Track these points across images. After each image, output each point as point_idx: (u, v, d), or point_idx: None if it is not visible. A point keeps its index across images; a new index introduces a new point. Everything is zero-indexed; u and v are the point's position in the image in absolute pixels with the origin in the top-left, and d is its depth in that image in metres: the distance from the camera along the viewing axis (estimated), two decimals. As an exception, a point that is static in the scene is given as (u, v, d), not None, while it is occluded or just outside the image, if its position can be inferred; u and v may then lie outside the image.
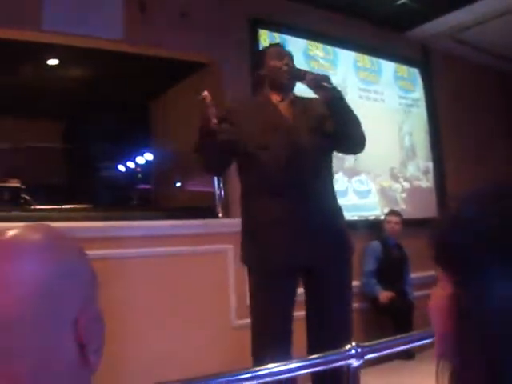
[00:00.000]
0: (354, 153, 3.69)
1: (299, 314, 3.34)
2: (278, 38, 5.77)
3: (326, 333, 3.21)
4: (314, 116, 3.41)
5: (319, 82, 3.23)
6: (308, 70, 3.57)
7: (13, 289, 0.86)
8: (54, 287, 0.89)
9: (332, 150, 3.48)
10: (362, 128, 3.40)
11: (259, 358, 3.07)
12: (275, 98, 3.44)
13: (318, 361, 2.39)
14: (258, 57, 3.64)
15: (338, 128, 3.30)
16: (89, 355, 0.93)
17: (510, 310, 0.70)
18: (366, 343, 2.43)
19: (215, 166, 3.47)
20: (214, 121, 3.05)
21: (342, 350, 2.36)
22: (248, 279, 3.41)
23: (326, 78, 3.26)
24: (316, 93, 3.27)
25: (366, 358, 2.38)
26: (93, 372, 0.97)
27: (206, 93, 3.07)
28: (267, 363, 2.29)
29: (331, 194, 3.45)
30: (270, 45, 3.80)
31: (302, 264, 3.27)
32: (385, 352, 2.71)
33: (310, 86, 3.26)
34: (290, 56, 3.49)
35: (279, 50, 3.54)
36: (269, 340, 3.20)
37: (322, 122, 3.37)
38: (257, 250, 3.30)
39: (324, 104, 3.29)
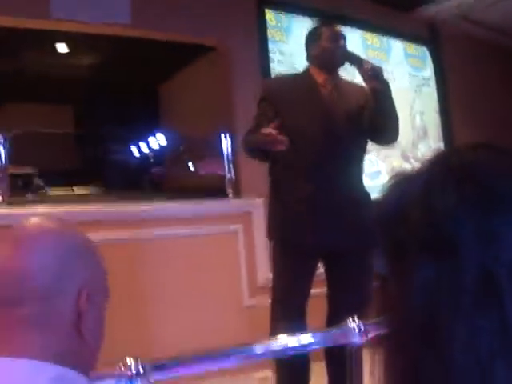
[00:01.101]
0: (385, 145, 3.78)
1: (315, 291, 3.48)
2: (284, 18, 5.79)
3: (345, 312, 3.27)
4: (355, 103, 3.45)
5: (375, 73, 3.28)
6: (364, 57, 3.57)
7: (38, 254, 1.05)
8: (67, 259, 1.07)
9: (367, 138, 3.53)
10: (398, 124, 3.46)
11: (275, 330, 3.20)
12: (321, 78, 3.47)
13: (320, 337, 2.45)
14: (311, 34, 3.60)
15: (378, 120, 3.33)
16: (83, 329, 1.06)
17: (430, 302, 0.68)
18: (370, 321, 2.48)
19: (261, 158, 3.52)
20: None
21: (345, 327, 2.41)
22: (273, 253, 3.58)
23: (381, 70, 3.31)
24: (367, 82, 3.31)
25: (369, 336, 2.44)
26: (92, 354, 1.12)
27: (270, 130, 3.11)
28: (279, 333, 2.37)
29: (360, 181, 3.53)
30: (323, 23, 3.74)
31: (325, 245, 3.34)
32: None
33: (363, 75, 3.30)
34: (344, 39, 3.52)
35: (335, 31, 3.54)
36: (285, 315, 3.31)
37: (361, 110, 3.42)
38: (283, 228, 3.41)
39: (371, 94, 3.32)
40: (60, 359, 1.01)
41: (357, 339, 2.40)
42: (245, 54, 5.43)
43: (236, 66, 5.38)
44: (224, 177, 5.21)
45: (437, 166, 0.75)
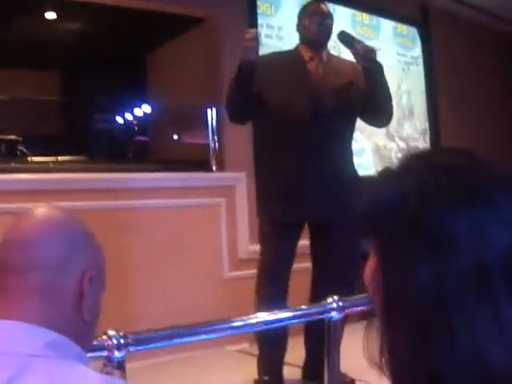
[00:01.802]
0: (378, 126, 3.83)
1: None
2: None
3: (330, 284, 3.29)
4: (343, 79, 3.48)
5: (368, 53, 3.29)
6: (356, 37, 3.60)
7: (49, 231, 1.16)
8: (74, 241, 1.17)
9: (355, 115, 3.56)
10: (392, 105, 3.49)
11: (260, 297, 3.37)
12: (307, 54, 3.50)
13: (300, 312, 2.48)
14: (301, 12, 3.65)
15: (369, 98, 3.39)
16: (83, 307, 1.15)
17: (429, 296, 0.71)
18: (347, 298, 2.52)
19: (241, 111, 3.47)
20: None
21: (323, 302, 2.45)
22: (260, 225, 3.59)
23: (373, 51, 3.34)
24: (359, 62, 3.34)
25: (346, 311, 2.48)
26: (89, 332, 1.22)
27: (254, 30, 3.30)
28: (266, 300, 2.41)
29: (348, 158, 3.58)
30: (310, 2, 3.78)
31: (311, 217, 3.43)
32: (366, 307, 2.80)
33: (355, 55, 3.34)
34: (331, 17, 3.59)
35: (320, 8, 3.58)
36: (273, 282, 3.40)
37: (349, 86, 3.45)
38: (272, 200, 3.44)
39: (364, 74, 3.37)
40: (57, 329, 1.07)
41: (335, 315, 2.43)
42: (233, 26, 5.40)
43: (224, 38, 5.36)
44: (208, 148, 5.22)
45: (426, 166, 0.79)
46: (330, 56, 3.61)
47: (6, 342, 1.02)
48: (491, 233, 0.71)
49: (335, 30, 3.57)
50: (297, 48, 3.58)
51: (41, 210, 1.21)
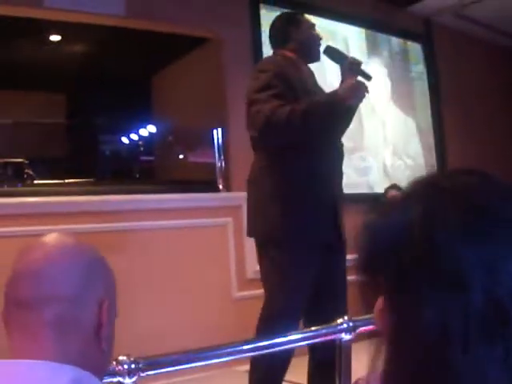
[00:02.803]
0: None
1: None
2: (278, 12, 5.77)
3: (328, 308, 3.25)
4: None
5: (356, 66, 3.27)
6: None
7: (65, 262, 1.13)
8: (90, 271, 1.15)
9: None
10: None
11: (281, 319, 3.08)
12: (305, 67, 3.45)
13: (309, 334, 2.47)
14: (293, 19, 3.52)
15: None
16: (101, 337, 1.14)
17: (435, 336, 0.68)
18: (358, 317, 2.50)
19: (298, 135, 3.17)
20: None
21: (333, 323, 2.43)
22: (265, 253, 3.30)
23: (361, 63, 3.31)
24: (347, 75, 3.27)
25: (357, 331, 2.46)
26: (106, 361, 1.21)
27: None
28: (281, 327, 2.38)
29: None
30: (299, 13, 3.70)
31: (328, 240, 3.29)
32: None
33: (344, 69, 3.29)
34: None
35: (312, 23, 3.53)
36: (291, 318, 3.14)
37: None
38: (302, 220, 3.21)
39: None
40: (79, 363, 1.05)
41: (346, 336, 2.42)
42: (238, 46, 5.43)
43: (229, 58, 5.39)
44: (214, 168, 5.22)
45: (433, 193, 0.75)
46: None
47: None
48: (504, 265, 0.67)
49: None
50: (289, 56, 3.41)
51: (51, 239, 1.18)
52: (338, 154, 3.37)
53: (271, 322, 3.14)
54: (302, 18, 3.52)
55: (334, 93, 3.11)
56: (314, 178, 3.20)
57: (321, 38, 3.46)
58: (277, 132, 3.07)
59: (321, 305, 3.33)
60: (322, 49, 3.44)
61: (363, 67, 3.31)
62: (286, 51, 3.41)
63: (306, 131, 3.10)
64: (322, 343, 2.63)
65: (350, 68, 3.28)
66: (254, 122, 3.14)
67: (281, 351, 2.53)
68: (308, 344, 2.73)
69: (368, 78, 3.25)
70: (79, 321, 1.10)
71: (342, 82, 3.31)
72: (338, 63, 3.36)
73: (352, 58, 3.36)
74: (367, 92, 3.12)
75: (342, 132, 3.43)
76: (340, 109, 3.09)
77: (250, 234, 3.41)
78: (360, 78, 3.26)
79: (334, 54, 3.37)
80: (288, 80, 3.18)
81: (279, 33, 3.49)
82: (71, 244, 1.18)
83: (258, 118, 3.08)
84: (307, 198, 3.20)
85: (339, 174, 3.40)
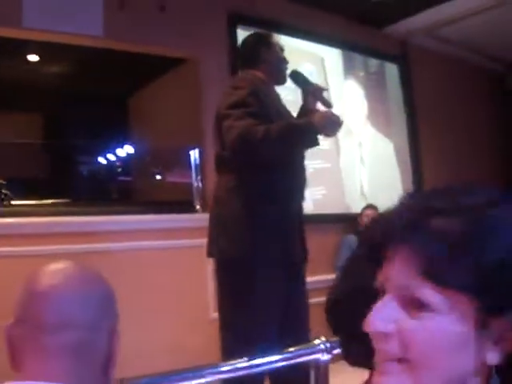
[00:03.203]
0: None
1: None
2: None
3: (292, 328, 3.25)
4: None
5: (319, 93, 3.33)
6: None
7: (82, 290, 1.19)
8: (104, 301, 1.23)
9: None
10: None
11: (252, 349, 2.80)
12: (272, 87, 3.44)
13: (286, 355, 2.46)
14: (265, 39, 3.50)
15: None
16: (110, 365, 1.20)
17: None
18: (335, 338, 2.50)
19: (273, 155, 3.13)
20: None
21: (310, 344, 2.43)
22: (226, 274, 3.24)
23: (324, 90, 3.38)
24: (309, 101, 3.35)
25: (334, 352, 2.46)
26: None
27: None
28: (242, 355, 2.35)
29: None
30: (267, 33, 3.69)
31: (294, 260, 3.30)
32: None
33: (307, 95, 3.36)
34: None
35: (280, 45, 3.51)
36: (269, 335, 3.13)
37: None
38: (270, 241, 3.15)
39: (301, 112, 3.39)
40: None
41: (323, 356, 2.42)
42: (215, 67, 5.46)
43: (206, 78, 5.40)
44: (191, 189, 5.22)
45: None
46: None
47: None
48: None
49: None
50: (259, 77, 3.38)
51: (69, 265, 1.23)
52: (302, 176, 3.38)
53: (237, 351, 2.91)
54: (273, 39, 3.51)
55: (310, 122, 3.06)
56: (281, 199, 3.20)
57: (287, 62, 3.47)
58: (249, 149, 3.02)
59: (285, 327, 3.26)
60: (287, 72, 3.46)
61: (325, 94, 3.37)
62: (257, 71, 3.39)
63: (277, 152, 3.08)
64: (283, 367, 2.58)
65: (313, 94, 3.33)
66: (225, 137, 3.10)
67: (255, 374, 2.50)
68: (284, 365, 2.70)
69: (329, 105, 3.29)
70: (94, 348, 1.15)
71: (302, 106, 3.41)
72: (301, 88, 3.41)
73: (316, 84, 3.43)
74: (340, 126, 3.10)
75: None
76: (313, 137, 3.06)
77: (210, 255, 3.35)
78: (320, 105, 3.30)
79: (299, 78, 3.42)
80: (261, 99, 3.16)
81: (250, 53, 3.47)
82: (88, 273, 1.25)
83: (230, 133, 3.04)
84: (274, 218, 3.16)
85: (303, 196, 3.42)
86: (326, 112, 3.14)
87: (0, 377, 1.12)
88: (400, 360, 0.77)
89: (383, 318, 0.78)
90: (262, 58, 3.40)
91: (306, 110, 3.37)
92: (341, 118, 3.10)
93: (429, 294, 0.75)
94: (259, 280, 3.14)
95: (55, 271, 1.19)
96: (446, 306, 0.75)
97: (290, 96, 3.95)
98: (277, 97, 3.43)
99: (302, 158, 3.40)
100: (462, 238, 0.76)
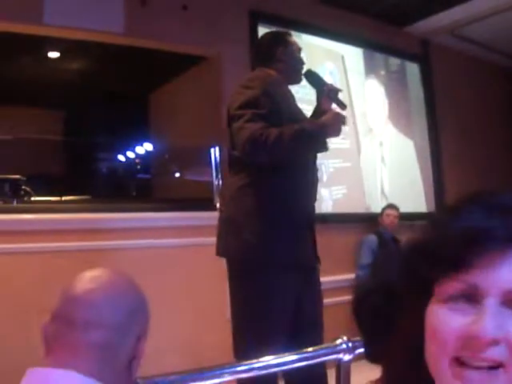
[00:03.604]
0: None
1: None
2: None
3: (304, 330, 3.21)
4: None
5: (334, 94, 3.28)
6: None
7: (116, 294, 1.30)
8: (135, 305, 1.31)
9: None
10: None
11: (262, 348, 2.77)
12: (286, 86, 3.37)
13: (308, 355, 2.43)
14: (282, 38, 3.43)
15: None
16: (131, 369, 1.27)
17: None
18: (357, 338, 2.47)
19: (284, 158, 3.10)
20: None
21: (332, 344, 2.40)
22: (235, 274, 3.27)
23: (338, 91, 3.31)
24: (324, 102, 3.31)
25: (356, 352, 2.43)
26: None
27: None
28: (257, 356, 2.33)
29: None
30: (287, 33, 3.56)
31: (304, 262, 3.23)
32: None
33: (321, 95, 3.31)
34: None
35: (299, 45, 3.46)
36: (278, 335, 3.10)
37: None
38: (281, 243, 3.11)
39: (316, 113, 3.34)
40: None
41: (345, 356, 2.39)
42: (236, 65, 5.43)
43: (227, 76, 5.38)
44: (212, 187, 5.21)
45: None
46: None
47: None
48: None
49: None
50: (272, 75, 3.31)
51: (107, 272, 1.34)
52: (313, 177, 3.32)
53: (249, 349, 2.96)
54: (290, 38, 3.46)
55: (323, 125, 3.05)
56: (292, 199, 3.15)
57: (304, 63, 3.41)
58: (260, 152, 2.98)
59: (297, 331, 3.22)
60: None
61: (340, 95, 3.32)
62: (271, 70, 3.34)
63: (288, 156, 3.06)
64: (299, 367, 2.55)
65: (328, 94, 3.28)
66: (235, 137, 3.07)
67: (269, 374, 2.47)
68: (305, 365, 2.67)
69: (343, 106, 3.26)
70: (120, 349, 1.23)
71: (317, 106, 3.36)
72: (315, 88, 3.37)
73: (331, 85, 3.36)
74: (344, 125, 3.10)
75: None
76: (324, 141, 3.05)
77: (219, 254, 3.34)
78: (335, 106, 3.27)
79: (314, 78, 3.37)
80: (274, 100, 3.10)
81: (266, 50, 3.42)
82: (123, 281, 1.36)
83: (240, 134, 3.00)
84: (283, 219, 3.12)
85: (314, 197, 3.34)
86: (337, 114, 3.10)
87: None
88: (499, 365, 0.76)
89: (498, 325, 0.76)
90: (277, 57, 3.35)
91: (320, 110, 3.33)
92: (346, 119, 3.09)
93: None
94: (265, 281, 3.11)
95: (91, 277, 1.30)
96: None
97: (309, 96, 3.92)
98: (290, 96, 3.35)
99: (314, 158, 3.34)
100: None
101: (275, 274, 3.10)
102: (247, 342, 3.13)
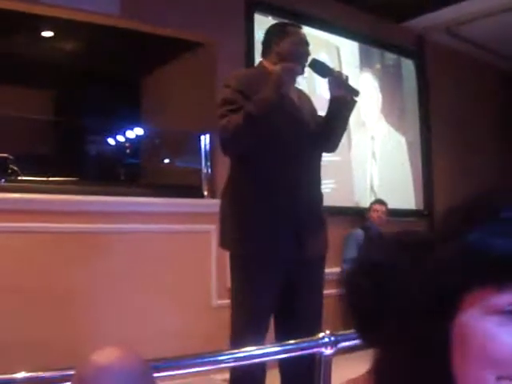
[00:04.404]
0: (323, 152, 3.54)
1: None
2: (272, 20, 5.76)
3: (298, 322, 3.20)
4: (310, 105, 3.44)
5: (344, 81, 3.23)
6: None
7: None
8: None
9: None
10: (341, 138, 3.43)
11: (242, 337, 3.08)
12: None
13: (290, 347, 2.43)
14: (279, 30, 3.40)
15: (327, 127, 3.31)
16: None
17: None
18: (340, 332, 2.46)
19: (248, 144, 3.12)
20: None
21: (314, 337, 2.39)
22: (240, 265, 3.26)
23: (347, 78, 3.26)
24: (334, 90, 3.26)
25: (338, 346, 2.43)
26: None
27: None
28: (244, 344, 2.33)
29: (320, 184, 3.43)
30: (289, 24, 3.54)
31: (293, 256, 3.19)
32: (358, 341, 2.74)
33: (331, 84, 3.25)
34: (308, 45, 3.38)
35: (303, 34, 3.39)
36: (255, 327, 3.16)
37: (315, 115, 3.41)
38: (258, 239, 3.15)
39: (332, 102, 3.29)
40: None
41: (327, 350, 2.38)
42: (231, 52, 5.41)
43: (221, 63, 5.36)
44: (200, 174, 5.19)
45: None
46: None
47: None
48: None
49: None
50: (266, 68, 3.33)
51: (109, 354, 1.30)
52: (300, 174, 3.24)
53: (233, 337, 3.20)
54: (291, 30, 3.38)
55: (270, 81, 3.05)
56: (273, 194, 3.15)
57: (308, 54, 3.32)
58: (231, 142, 3.10)
59: (290, 326, 3.24)
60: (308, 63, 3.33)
61: (350, 82, 3.29)
62: (267, 62, 3.36)
63: (248, 135, 3.07)
64: (293, 358, 2.58)
65: (335, 82, 3.25)
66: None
67: (257, 365, 2.49)
68: (284, 358, 2.68)
69: (355, 93, 3.24)
70: None
71: (331, 96, 3.30)
72: (323, 77, 3.30)
73: (338, 72, 3.31)
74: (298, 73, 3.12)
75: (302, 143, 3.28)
76: (273, 91, 3.03)
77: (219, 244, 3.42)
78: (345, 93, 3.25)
79: (319, 67, 3.30)
80: (249, 95, 3.09)
81: (264, 43, 3.45)
82: (130, 360, 1.31)
83: (219, 130, 3.12)
84: (260, 215, 3.15)
85: (306, 190, 3.26)
86: (285, 65, 3.08)
87: None
88: None
89: None
90: (272, 49, 3.35)
91: (334, 98, 3.29)
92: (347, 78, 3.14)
93: None
94: (243, 277, 3.22)
95: (100, 356, 1.28)
96: None
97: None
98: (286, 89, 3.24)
99: (304, 154, 3.26)
100: None
101: (251, 270, 3.17)
102: (231, 332, 3.22)
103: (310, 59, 3.32)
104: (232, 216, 3.24)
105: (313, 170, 3.34)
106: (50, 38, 6.07)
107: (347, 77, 3.27)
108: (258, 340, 2.99)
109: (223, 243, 3.33)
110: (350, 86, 3.24)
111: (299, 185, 3.23)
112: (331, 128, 3.33)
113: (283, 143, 3.15)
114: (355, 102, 3.31)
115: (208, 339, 3.82)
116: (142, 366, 1.32)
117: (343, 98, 3.26)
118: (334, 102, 3.28)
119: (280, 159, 3.16)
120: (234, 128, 3.02)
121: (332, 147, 3.45)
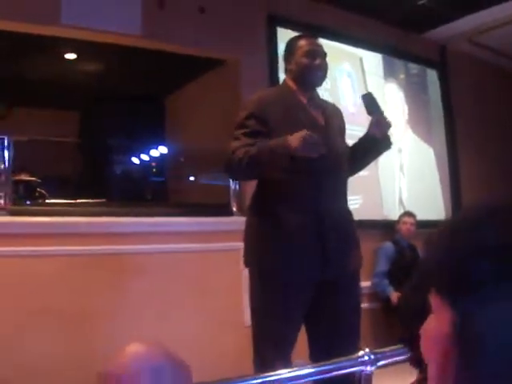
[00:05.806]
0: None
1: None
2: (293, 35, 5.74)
3: (337, 341, 3.13)
4: (338, 123, 3.37)
5: (385, 128, 3.20)
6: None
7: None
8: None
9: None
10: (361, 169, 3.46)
11: (268, 360, 2.99)
12: (303, 98, 3.25)
13: (330, 367, 2.38)
14: (289, 45, 3.36)
15: (355, 158, 3.31)
16: None
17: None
18: (379, 350, 2.41)
19: (248, 178, 3.32)
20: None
21: (354, 356, 2.34)
22: (259, 282, 3.20)
23: (390, 126, 3.23)
24: (372, 130, 3.21)
25: (378, 364, 2.37)
26: None
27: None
28: (276, 368, 2.28)
29: (347, 204, 3.37)
30: (303, 35, 3.46)
31: (322, 275, 3.12)
32: (397, 358, 2.68)
33: (373, 123, 3.21)
34: (324, 55, 3.29)
35: (313, 45, 3.29)
36: (284, 347, 3.11)
37: (343, 130, 3.38)
38: (285, 258, 3.07)
39: (367, 139, 3.26)
40: None
41: (367, 368, 2.33)
42: (254, 69, 5.40)
43: (245, 80, 5.35)
44: (228, 191, 5.16)
45: None
46: (320, 98, 3.42)
47: None
48: None
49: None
50: (288, 85, 3.30)
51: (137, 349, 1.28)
52: (328, 184, 3.17)
53: (256, 360, 3.14)
54: (299, 43, 3.31)
55: (285, 145, 2.92)
56: (282, 213, 3.10)
57: (320, 65, 3.23)
58: (232, 170, 3.16)
59: (325, 347, 3.15)
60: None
61: (390, 131, 3.25)
62: (288, 79, 3.33)
63: (248, 176, 3.25)
64: (329, 378, 2.51)
65: (377, 122, 3.20)
66: None
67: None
68: (324, 377, 2.61)
69: (388, 143, 3.29)
70: None
71: (369, 133, 3.24)
72: (369, 114, 3.24)
73: (384, 116, 3.23)
74: (319, 147, 2.92)
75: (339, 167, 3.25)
76: (285, 159, 2.96)
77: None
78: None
79: (370, 101, 3.25)
80: (262, 120, 3.10)
81: (283, 60, 3.42)
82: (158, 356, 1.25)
83: (226, 155, 3.10)
84: (275, 232, 3.11)
85: (332, 207, 3.18)
86: (303, 134, 2.98)
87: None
88: None
89: None
90: (286, 66, 3.35)
91: (372, 136, 3.23)
92: (319, 140, 2.95)
93: None
94: (262, 297, 3.17)
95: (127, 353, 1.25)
96: None
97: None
98: (306, 105, 3.24)
99: (326, 168, 3.14)
100: None
101: (276, 288, 3.10)
102: (254, 352, 3.18)
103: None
104: (251, 232, 3.24)
105: (339, 186, 3.27)
106: (74, 60, 6.10)
107: (389, 122, 3.23)
108: (285, 363, 2.90)
109: (247, 261, 3.30)
110: (385, 129, 3.20)
111: (325, 201, 3.15)
112: (358, 159, 3.33)
113: (309, 161, 3.08)
114: (390, 144, 3.30)
115: (240, 359, 3.76)
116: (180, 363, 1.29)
117: (383, 138, 3.23)
118: (370, 140, 3.25)
119: (306, 177, 3.11)
120: (237, 167, 3.03)
121: (352, 175, 3.43)
